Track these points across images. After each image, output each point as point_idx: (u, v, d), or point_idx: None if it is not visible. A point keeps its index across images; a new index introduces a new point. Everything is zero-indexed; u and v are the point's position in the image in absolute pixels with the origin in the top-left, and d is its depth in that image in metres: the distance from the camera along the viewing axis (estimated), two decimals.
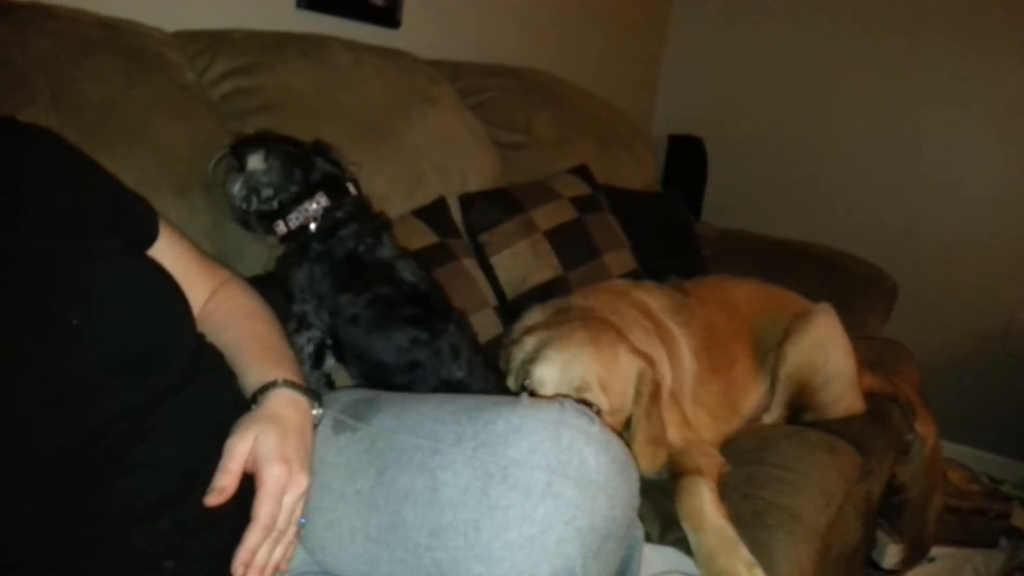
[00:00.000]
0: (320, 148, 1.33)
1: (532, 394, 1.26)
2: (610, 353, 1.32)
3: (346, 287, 1.20)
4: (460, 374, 1.21)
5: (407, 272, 1.25)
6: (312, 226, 1.23)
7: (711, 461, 1.37)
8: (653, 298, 1.66)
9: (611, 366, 1.30)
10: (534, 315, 1.52)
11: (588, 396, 1.26)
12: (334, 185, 1.26)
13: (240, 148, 1.24)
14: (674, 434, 1.42)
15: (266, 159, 1.23)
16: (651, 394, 1.34)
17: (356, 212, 1.26)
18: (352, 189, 1.29)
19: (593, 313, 1.46)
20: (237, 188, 1.25)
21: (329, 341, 1.24)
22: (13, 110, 1.11)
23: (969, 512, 2.17)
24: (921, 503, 2.03)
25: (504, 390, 1.29)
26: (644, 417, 1.32)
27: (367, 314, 1.20)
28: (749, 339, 1.73)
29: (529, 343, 1.35)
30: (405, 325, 1.20)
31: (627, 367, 1.32)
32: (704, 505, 1.21)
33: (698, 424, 1.54)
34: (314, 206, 1.23)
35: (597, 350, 1.31)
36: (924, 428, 1.95)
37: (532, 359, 1.31)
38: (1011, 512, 2.45)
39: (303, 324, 1.21)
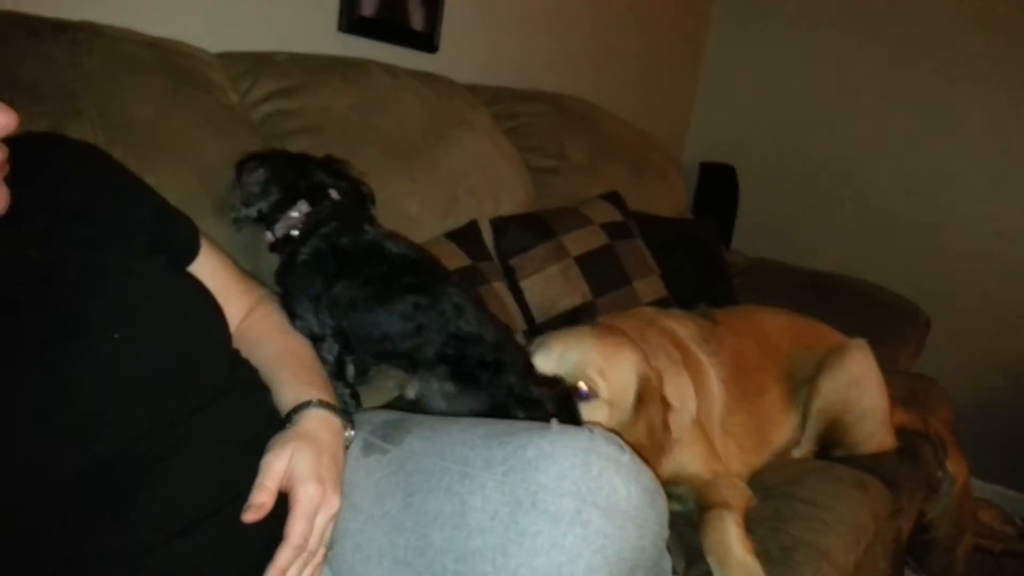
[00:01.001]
0: (327, 162, 1.34)
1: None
2: (612, 346, 1.31)
3: (338, 276, 1.19)
4: (468, 328, 1.18)
5: (395, 247, 1.25)
6: (295, 233, 1.24)
7: (738, 494, 1.35)
8: (681, 326, 1.64)
9: (611, 358, 1.29)
10: None
11: (585, 380, 1.26)
12: (316, 192, 1.27)
13: (240, 162, 1.28)
14: (700, 465, 1.41)
15: (254, 171, 1.26)
16: (653, 402, 1.30)
17: (336, 210, 1.26)
18: (334, 195, 1.29)
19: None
20: (232, 198, 1.29)
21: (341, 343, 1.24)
22: (61, 126, 1.14)
23: (1001, 554, 2.13)
24: (950, 543, 1.99)
25: (518, 347, 1.27)
26: (643, 423, 1.29)
27: (365, 293, 1.19)
28: (780, 370, 1.71)
29: (535, 342, 1.35)
30: (405, 293, 1.18)
31: (628, 363, 1.30)
32: (730, 540, 1.20)
33: (727, 455, 1.52)
34: (295, 213, 1.24)
35: (598, 340, 1.30)
36: (955, 467, 1.92)
37: (533, 351, 1.31)
38: None
39: (314, 339, 1.22)
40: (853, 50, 3.29)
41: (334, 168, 1.33)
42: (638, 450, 1.18)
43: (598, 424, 1.25)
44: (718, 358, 1.61)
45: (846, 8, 3.31)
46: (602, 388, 1.27)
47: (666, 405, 1.35)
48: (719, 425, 1.55)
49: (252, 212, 1.25)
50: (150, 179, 1.00)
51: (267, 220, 1.26)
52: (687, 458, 1.41)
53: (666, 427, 1.34)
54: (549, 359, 1.29)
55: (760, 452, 1.63)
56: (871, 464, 1.65)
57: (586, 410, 1.27)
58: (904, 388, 2.05)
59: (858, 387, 1.68)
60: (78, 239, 0.83)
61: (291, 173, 1.27)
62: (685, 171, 3.12)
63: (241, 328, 1.04)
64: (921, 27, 3.14)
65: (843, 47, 3.32)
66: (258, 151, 1.38)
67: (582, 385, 1.28)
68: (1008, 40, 2.97)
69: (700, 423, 1.48)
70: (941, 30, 3.10)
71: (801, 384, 1.70)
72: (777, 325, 1.80)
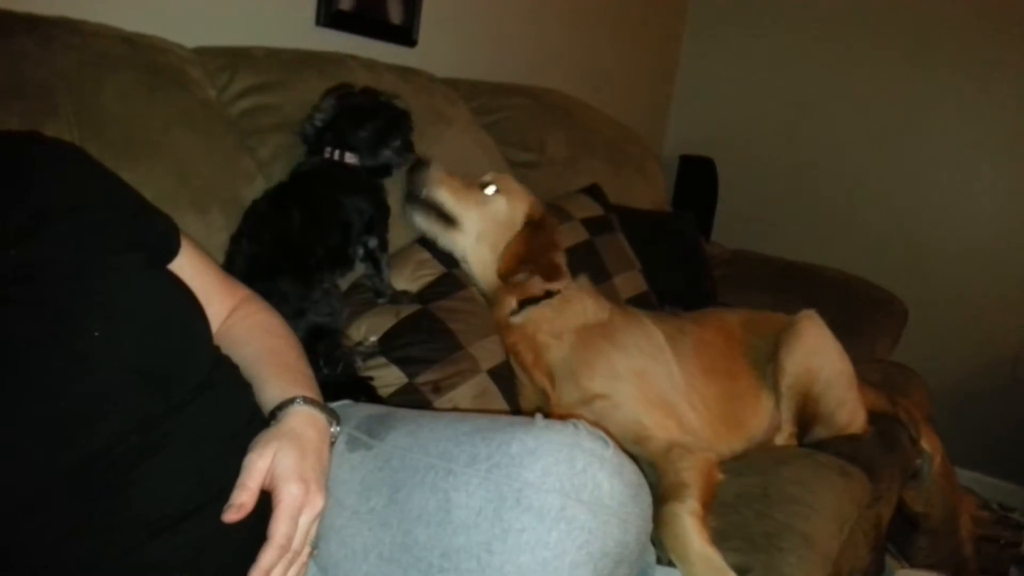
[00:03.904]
0: None
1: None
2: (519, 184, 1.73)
3: None
4: None
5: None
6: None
7: (696, 467, 1.33)
8: (642, 313, 1.73)
9: (516, 184, 1.70)
10: None
11: (496, 182, 1.64)
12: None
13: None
14: (656, 427, 1.44)
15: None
16: (542, 229, 1.63)
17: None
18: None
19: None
20: None
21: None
22: (37, 124, 1.13)
23: (979, 540, 2.16)
24: (948, 527, 2.02)
25: None
26: (528, 235, 1.60)
27: None
28: (746, 360, 1.75)
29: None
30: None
31: (527, 195, 1.69)
32: (687, 535, 1.19)
33: (698, 430, 1.53)
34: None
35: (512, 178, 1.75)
36: (929, 444, 1.95)
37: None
38: (1022, 540, 2.43)
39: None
40: (830, 44, 3.32)
41: None
42: (515, 256, 1.58)
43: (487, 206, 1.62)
44: (679, 337, 1.67)
45: (823, 2, 3.34)
46: (504, 189, 1.63)
47: (554, 240, 1.66)
48: (682, 392, 1.57)
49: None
50: (127, 176, 0.99)
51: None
52: (627, 403, 1.46)
53: (549, 255, 1.60)
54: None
55: (736, 435, 1.64)
56: (851, 452, 1.67)
57: (489, 199, 1.63)
58: (881, 376, 2.08)
59: (818, 355, 1.72)
60: (56, 238, 0.82)
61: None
62: (665, 164, 3.14)
63: (224, 327, 1.04)
64: (896, 21, 3.18)
65: (820, 41, 3.35)
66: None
67: (492, 185, 1.64)
68: (981, 34, 3.01)
69: (647, 376, 1.54)
70: (916, 25, 3.14)
71: (766, 366, 1.74)
72: (739, 320, 1.85)
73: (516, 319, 1.57)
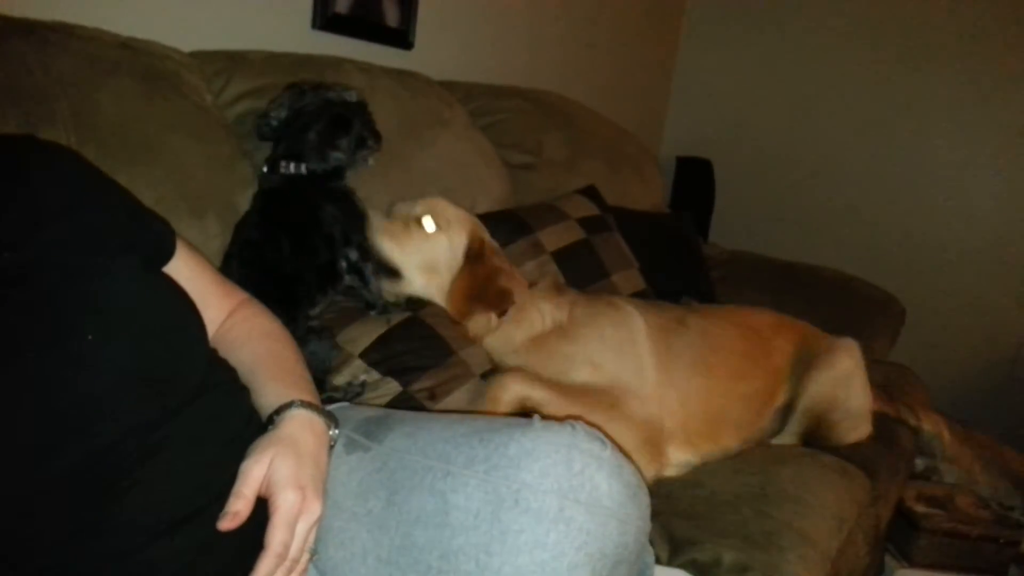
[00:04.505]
0: None
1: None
2: (455, 208, 1.61)
3: None
4: None
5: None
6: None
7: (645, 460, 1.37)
8: (628, 301, 1.68)
9: (454, 212, 1.60)
10: None
11: (432, 215, 1.55)
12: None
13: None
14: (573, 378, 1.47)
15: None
16: (482, 258, 1.55)
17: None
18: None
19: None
20: None
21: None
22: (33, 128, 1.13)
23: (978, 539, 2.15)
24: (988, 470, 2.07)
25: None
26: (469, 272, 1.54)
27: None
28: (767, 362, 1.70)
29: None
30: None
31: (466, 219, 1.61)
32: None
33: (651, 419, 1.49)
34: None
35: (448, 201, 1.62)
36: (932, 425, 1.96)
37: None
38: (1022, 539, 2.43)
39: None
40: (826, 45, 3.33)
41: None
42: (463, 296, 1.52)
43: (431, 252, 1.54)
44: (669, 322, 1.63)
45: (819, 4, 3.35)
46: (444, 223, 1.55)
47: (494, 267, 1.57)
48: (651, 386, 1.52)
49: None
50: (123, 180, 0.99)
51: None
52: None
53: (494, 284, 1.54)
54: (413, 205, 1.58)
55: (717, 435, 1.59)
56: (849, 451, 1.67)
57: (429, 239, 1.54)
58: (880, 376, 2.07)
59: (845, 387, 1.70)
60: (51, 241, 0.82)
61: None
62: (662, 165, 3.14)
63: (221, 330, 1.03)
64: (893, 21, 3.18)
65: (816, 42, 3.35)
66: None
67: (428, 218, 1.54)
68: (980, 34, 3.02)
69: (602, 367, 1.50)
70: (914, 25, 3.15)
71: (790, 375, 1.71)
72: (769, 322, 1.79)
73: (486, 346, 1.56)
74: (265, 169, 1.43)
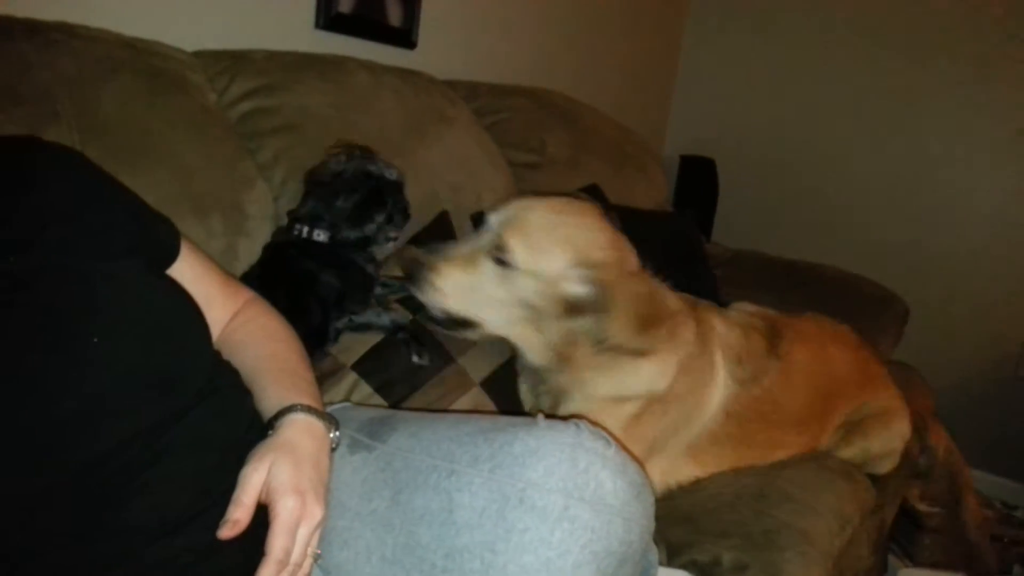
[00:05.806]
0: None
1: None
2: (556, 213, 1.22)
3: None
4: None
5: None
6: None
7: None
8: (727, 329, 1.49)
9: (549, 229, 1.20)
10: None
11: (503, 244, 1.18)
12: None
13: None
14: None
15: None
16: (622, 281, 1.21)
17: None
18: None
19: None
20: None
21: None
22: (37, 128, 1.13)
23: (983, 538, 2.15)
24: (952, 523, 2.03)
25: None
26: (622, 303, 1.20)
27: None
28: (818, 426, 1.65)
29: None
30: None
31: (568, 239, 1.19)
32: None
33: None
34: None
35: (547, 207, 1.22)
36: (936, 439, 1.96)
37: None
38: None
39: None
40: (830, 43, 3.32)
41: None
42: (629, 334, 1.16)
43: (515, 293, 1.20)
44: (742, 385, 1.45)
45: (823, 3, 3.34)
46: (519, 257, 1.15)
47: (643, 282, 1.25)
48: (687, 447, 1.44)
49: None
50: (128, 181, 0.99)
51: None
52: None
53: (652, 300, 1.24)
54: (486, 230, 1.22)
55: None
56: None
57: (506, 277, 1.19)
58: None
59: (891, 459, 1.72)
60: (56, 243, 0.82)
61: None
62: (665, 164, 3.13)
63: (225, 332, 1.03)
64: (896, 21, 3.17)
65: (820, 40, 3.35)
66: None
67: (496, 251, 1.17)
68: (981, 34, 3.01)
69: (645, 422, 1.35)
70: (916, 24, 3.14)
71: (833, 435, 1.70)
72: (844, 358, 1.69)
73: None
74: (285, 224, 1.43)
